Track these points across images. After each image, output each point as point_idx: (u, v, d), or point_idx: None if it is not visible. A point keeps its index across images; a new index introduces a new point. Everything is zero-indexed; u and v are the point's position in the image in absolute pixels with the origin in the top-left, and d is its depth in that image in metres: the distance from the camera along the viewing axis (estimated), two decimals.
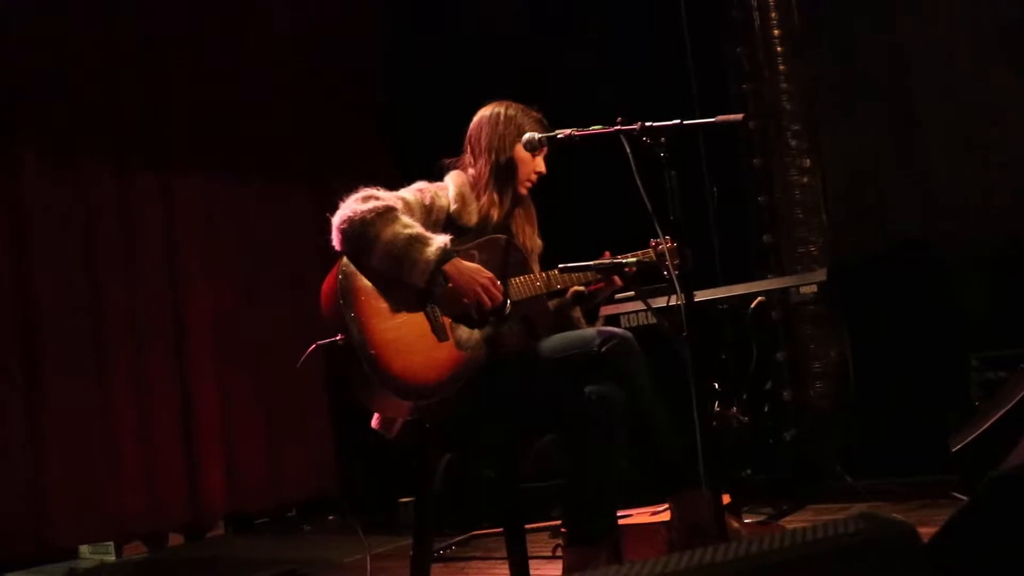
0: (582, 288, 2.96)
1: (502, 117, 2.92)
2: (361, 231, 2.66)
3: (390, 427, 2.78)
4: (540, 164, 2.94)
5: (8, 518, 4.28)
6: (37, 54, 4.61)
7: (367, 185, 2.77)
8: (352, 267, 2.68)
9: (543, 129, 2.91)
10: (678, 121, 2.56)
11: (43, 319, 4.48)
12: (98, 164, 4.78)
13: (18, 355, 4.39)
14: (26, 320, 4.44)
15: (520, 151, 2.89)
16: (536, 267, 2.96)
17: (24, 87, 4.57)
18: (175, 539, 4.99)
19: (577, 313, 3.00)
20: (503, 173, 2.90)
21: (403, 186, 2.89)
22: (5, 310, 4.39)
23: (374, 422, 2.82)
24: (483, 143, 2.92)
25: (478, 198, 2.90)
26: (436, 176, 2.97)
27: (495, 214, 2.89)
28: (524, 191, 2.96)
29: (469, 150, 2.97)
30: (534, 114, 2.94)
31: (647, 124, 2.57)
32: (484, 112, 2.97)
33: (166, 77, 5.10)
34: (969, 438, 3.40)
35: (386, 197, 2.74)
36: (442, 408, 2.69)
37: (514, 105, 2.95)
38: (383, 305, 2.67)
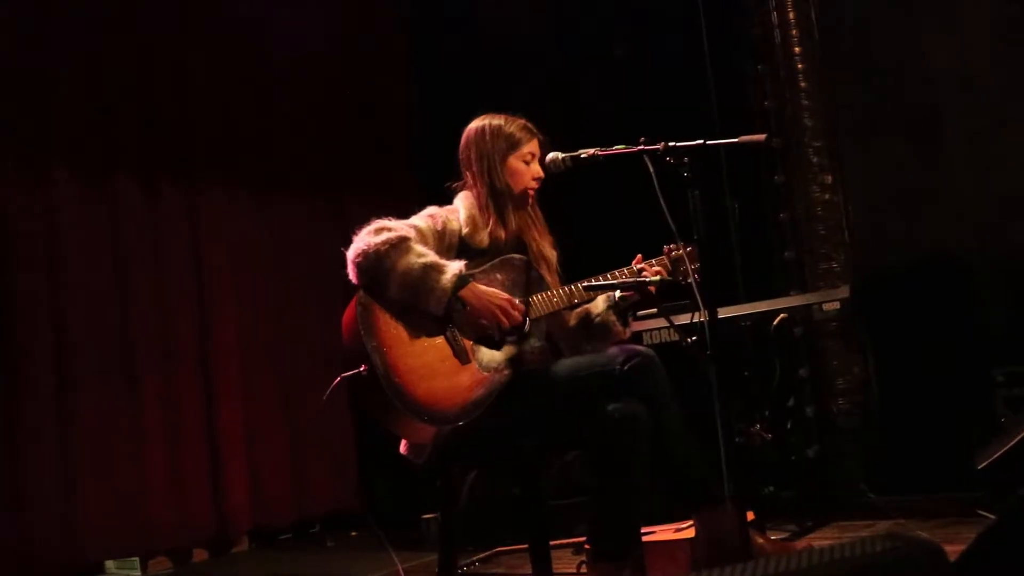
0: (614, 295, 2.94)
1: (487, 132, 2.91)
2: (376, 264, 2.66)
3: (420, 453, 2.77)
4: (536, 169, 2.91)
5: (37, 532, 4.30)
6: (69, 75, 4.67)
7: (388, 212, 2.78)
8: (369, 298, 2.67)
9: (530, 134, 2.91)
10: (701, 141, 2.56)
11: (74, 336, 4.52)
12: (127, 183, 4.83)
13: (49, 371, 4.43)
14: (56, 336, 4.48)
15: (513, 163, 2.88)
16: (554, 278, 2.94)
17: (56, 107, 4.62)
18: (200, 554, 5.02)
19: (611, 317, 2.97)
20: (500, 192, 2.88)
21: (426, 207, 2.90)
22: (37, 326, 4.43)
23: (403, 448, 2.81)
24: (475, 165, 2.90)
25: (486, 221, 2.88)
26: (446, 200, 2.96)
27: (502, 234, 2.88)
28: (527, 201, 2.94)
29: (465, 171, 2.96)
30: (519, 121, 2.93)
31: (670, 144, 2.58)
32: (469, 129, 2.95)
33: (194, 97, 5.15)
34: (995, 455, 3.38)
35: (398, 227, 2.72)
36: (467, 427, 2.70)
37: (498, 116, 2.93)
38: (403, 333, 2.67)
